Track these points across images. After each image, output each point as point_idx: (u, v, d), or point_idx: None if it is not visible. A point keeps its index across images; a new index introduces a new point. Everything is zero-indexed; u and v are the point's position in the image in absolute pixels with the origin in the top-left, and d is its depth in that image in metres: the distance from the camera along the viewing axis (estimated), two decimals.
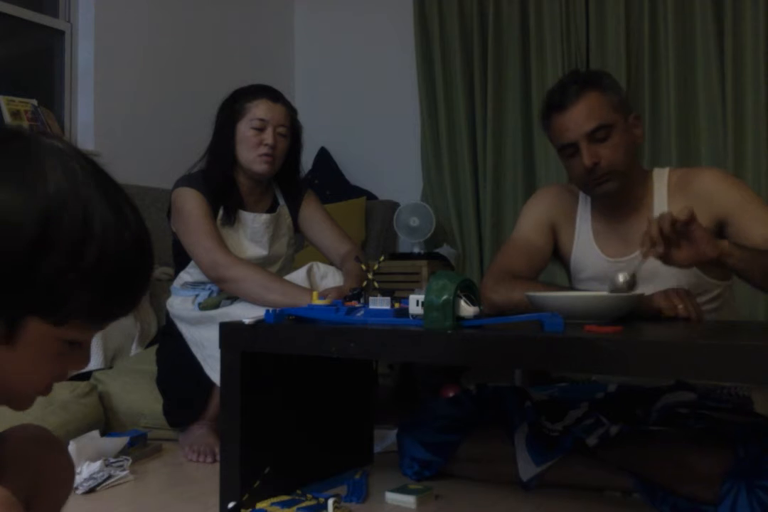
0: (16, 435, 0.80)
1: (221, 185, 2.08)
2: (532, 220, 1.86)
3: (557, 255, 1.88)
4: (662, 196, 1.71)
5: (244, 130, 2.06)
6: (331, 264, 2.14)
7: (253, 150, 2.05)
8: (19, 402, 0.71)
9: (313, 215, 2.22)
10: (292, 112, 2.13)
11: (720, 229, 1.65)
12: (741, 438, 1.43)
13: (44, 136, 0.64)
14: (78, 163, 0.64)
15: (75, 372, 0.73)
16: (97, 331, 0.69)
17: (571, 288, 1.78)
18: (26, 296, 0.60)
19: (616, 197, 1.71)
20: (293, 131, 2.13)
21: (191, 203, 2.03)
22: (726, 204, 1.63)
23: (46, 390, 0.70)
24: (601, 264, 1.76)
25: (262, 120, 2.05)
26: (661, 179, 1.74)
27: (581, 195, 1.82)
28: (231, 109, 2.08)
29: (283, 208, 2.21)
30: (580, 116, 1.62)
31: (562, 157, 1.71)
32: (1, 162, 0.61)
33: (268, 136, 2.05)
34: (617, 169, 1.64)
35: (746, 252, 1.46)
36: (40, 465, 0.78)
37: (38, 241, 0.58)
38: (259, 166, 2.06)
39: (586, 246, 1.80)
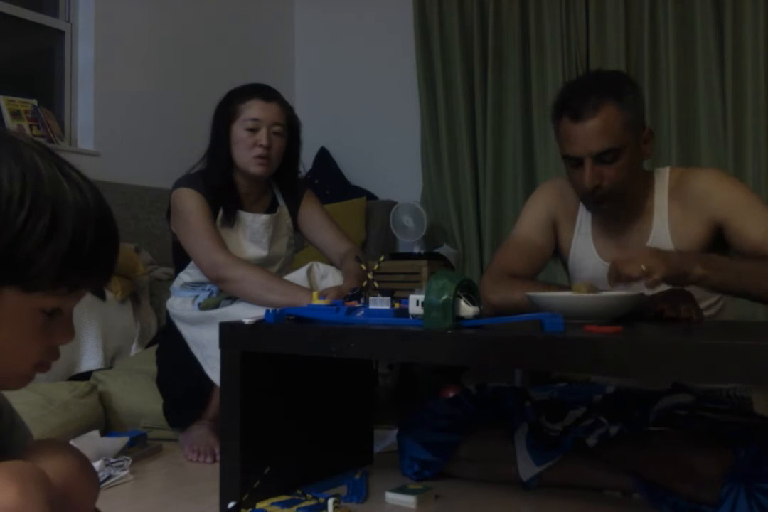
0: (44, 455, 0.78)
1: (220, 186, 2.07)
2: (533, 217, 1.83)
3: (556, 250, 1.86)
4: (663, 200, 1.69)
5: (238, 131, 2.05)
6: (331, 264, 2.14)
7: (248, 151, 2.05)
8: (15, 381, 0.73)
9: (312, 215, 2.22)
10: (287, 110, 2.11)
11: (717, 232, 1.63)
12: (740, 439, 1.43)
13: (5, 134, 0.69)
14: (35, 150, 0.69)
15: (64, 344, 0.75)
16: (73, 301, 0.72)
17: (571, 287, 1.77)
18: None
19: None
20: (291, 129, 2.12)
21: (191, 203, 2.03)
22: (721, 206, 1.61)
23: (43, 368, 0.73)
24: (599, 268, 1.73)
25: (255, 120, 2.04)
26: (662, 181, 1.71)
27: None
28: (225, 111, 2.08)
29: (283, 209, 2.21)
30: (592, 134, 1.56)
31: (564, 162, 1.67)
32: None
33: (261, 137, 2.03)
34: (618, 191, 1.61)
35: (726, 273, 1.45)
36: (69, 489, 0.77)
37: None
38: (255, 168, 2.06)
39: (584, 247, 1.78)
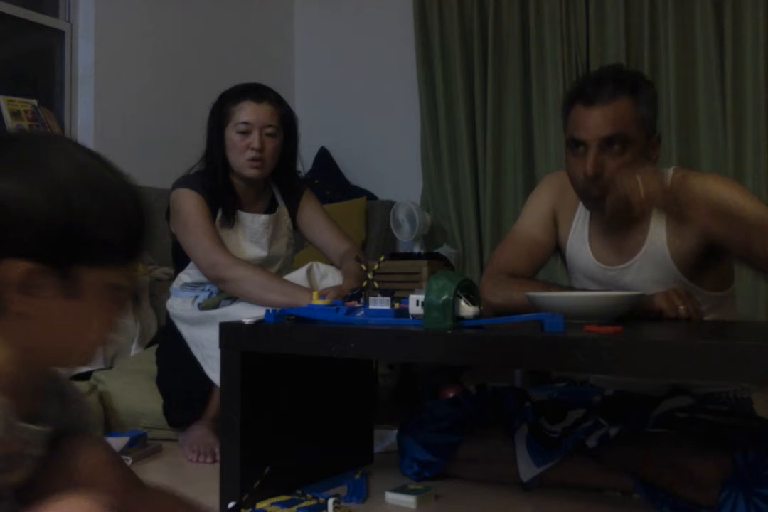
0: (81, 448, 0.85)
1: (218, 187, 2.07)
2: (535, 212, 1.81)
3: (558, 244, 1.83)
4: None
5: (231, 134, 2.05)
6: (331, 264, 2.14)
7: (241, 154, 2.04)
8: (84, 357, 0.80)
9: (311, 214, 2.22)
10: (281, 109, 2.09)
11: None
12: (739, 443, 1.43)
13: (41, 133, 0.78)
14: (67, 143, 0.79)
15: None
16: (131, 275, 0.82)
17: (571, 287, 1.77)
18: (65, 249, 0.72)
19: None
20: (286, 128, 2.11)
21: (189, 204, 2.03)
22: None
23: (106, 340, 0.81)
24: (592, 268, 1.72)
25: (246, 123, 2.03)
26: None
27: None
28: (218, 114, 2.07)
29: (282, 209, 2.21)
30: (604, 119, 1.53)
31: (567, 149, 1.63)
32: (14, 157, 0.74)
33: (254, 140, 2.03)
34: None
35: (730, 221, 1.37)
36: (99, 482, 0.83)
37: (61, 208, 0.71)
38: (249, 171, 2.05)
39: (579, 246, 1.76)
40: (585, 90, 1.57)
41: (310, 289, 1.90)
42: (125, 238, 0.77)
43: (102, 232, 0.74)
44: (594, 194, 1.59)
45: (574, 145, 1.59)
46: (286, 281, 1.96)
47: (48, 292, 0.72)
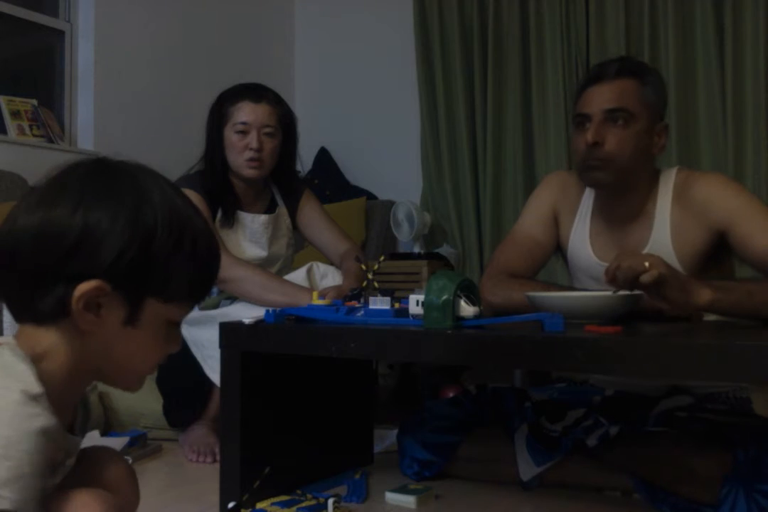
0: (100, 462, 0.90)
1: (218, 187, 2.07)
2: (535, 213, 1.81)
3: (559, 244, 1.84)
4: (666, 202, 1.65)
5: (229, 135, 2.05)
6: (331, 264, 2.14)
7: (239, 155, 2.04)
8: (136, 382, 0.84)
9: (311, 214, 2.22)
10: (279, 109, 2.09)
11: (719, 239, 1.60)
12: (740, 441, 1.43)
13: (126, 162, 0.82)
14: (159, 179, 0.82)
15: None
16: (186, 313, 0.83)
17: (571, 287, 1.76)
18: (139, 280, 0.75)
19: (614, 195, 1.68)
20: (285, 128, 2.11)
21: None
22: (724, 214, 1.57)
23: (152, 370, 0.85)
24: (594, 267, 1.72)
25: (244, 123, 2.03)
26: (667, 182, 1.67)
27: (588, 188, 1.77)
28: (218, 114, 2.07)
29: (282, 209, 2.21)
30: (609, 93, 1.59)
31: (574, 128, 1.67)
32: (108, 187, 0.77)
33: (252, 140, 2.02)
34: (616, 162, 1.58)
35: (737, 294, 1.41)
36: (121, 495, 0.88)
37: (145, 243, 0.74)
38: (248, 171, 2.05)
39: (580, 244, 1.76)
40: (592, 72, 1.65)
41: (310, 289, 1.90)
42: (196, 279, 0.80)
43: (177, 271, 0.77)
44: (592, 166, 1.61)
45: (580, 121, 1.64)
46: (286, 281, 1.96)
47: (110, 315, 0.75)
